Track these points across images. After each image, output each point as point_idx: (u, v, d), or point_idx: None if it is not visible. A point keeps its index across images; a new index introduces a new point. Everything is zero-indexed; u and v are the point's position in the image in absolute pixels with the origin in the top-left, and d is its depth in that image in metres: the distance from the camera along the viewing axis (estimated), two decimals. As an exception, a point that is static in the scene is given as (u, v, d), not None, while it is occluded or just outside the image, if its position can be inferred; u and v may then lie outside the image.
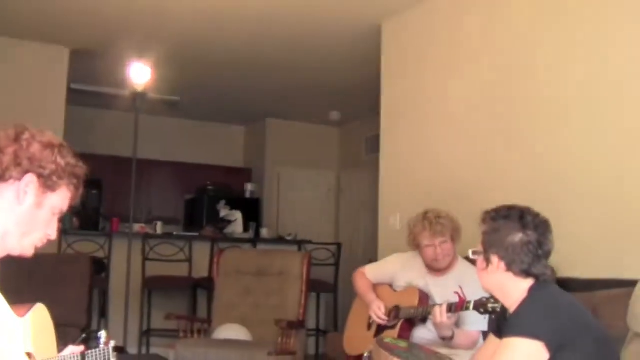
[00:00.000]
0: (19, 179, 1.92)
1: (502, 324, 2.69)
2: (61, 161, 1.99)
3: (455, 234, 4.18)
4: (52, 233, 2.06)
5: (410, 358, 2.58)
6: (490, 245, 2.62)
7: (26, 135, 1.96)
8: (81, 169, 2.07)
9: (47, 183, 1.97)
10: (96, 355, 2.33)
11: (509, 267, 2.57)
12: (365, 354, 2.77)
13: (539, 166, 4.77)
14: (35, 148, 1.95)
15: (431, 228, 4.12)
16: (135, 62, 6.31)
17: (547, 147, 4.74)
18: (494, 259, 2.60)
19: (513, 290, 2.58)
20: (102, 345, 2.37)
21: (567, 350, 2.37)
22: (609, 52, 4.37)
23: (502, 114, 5.15)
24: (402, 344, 2.80)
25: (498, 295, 2.67)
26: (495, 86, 5.27)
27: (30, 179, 1.93)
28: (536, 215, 2.61)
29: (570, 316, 2.48)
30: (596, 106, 4.40)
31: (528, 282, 2.57)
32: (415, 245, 4.24)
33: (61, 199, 2.03)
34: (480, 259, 2.68)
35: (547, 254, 2.59)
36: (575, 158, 4.51)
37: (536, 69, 4.92)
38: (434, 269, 4.21)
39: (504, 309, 2.70)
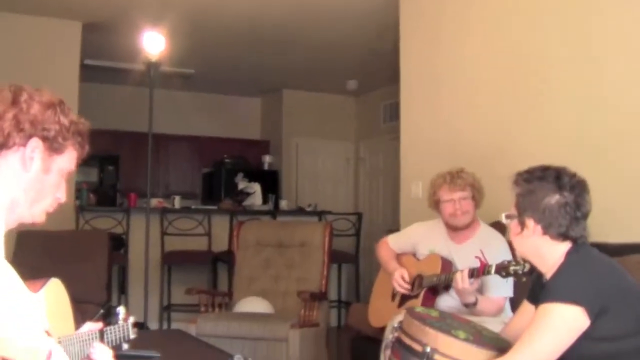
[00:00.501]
0: (23, 145, 1.79)
1: (537, 290, 2.58)
2: (64, 120, 1.87)
3: (476, 193, 4.07)
4: (62, 196, 1.94)
5: (444, 327, 2.48)
6: (525, 208, 2.49)
7: (24, 97, 1.82)
8: (84, 125, 1.95)
9: (53, 145, 1.85)
10: (115, 331, 2.26)
11: (546, 231, 2.45)
12: (395, 324, 2.67)
13: (561, 129, 4.67)
14: (36, 109, 1.82)
15: (451, 181, 4.04)
16: (149, 32, 6.17)
17: (569, 108, 4.63)
18: (529, 222, 2.48)
19: (550, 254, 2.47)
20: (120, 321, 2.29)
21: (608, 316, 2.27)
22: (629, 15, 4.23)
23: (524, 76, 5.04)
24: (434, 313, 2.70)
25: (534, 260, 2.55)
26: (514, 48, 5.15)
27: (35, 143, 1.80)
28: (573, 175, 2.49)
29: (610, 280, 2.37)
30: (619, 64, 4.27)
31: (565, 246, 2.46)
32: (434, 202, 4.14)
33: (68, 160, 1.91)
34: (514, 223, 2.55)
35: (585, 216, 2.47)
36: (597, 120, 4.39)
37: (554, 30, 4.79)
38: (453, 227, 4.11)
39: (539, 275, 2.58)
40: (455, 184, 4.02)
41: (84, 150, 1.96)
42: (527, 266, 3.11)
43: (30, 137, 1.80)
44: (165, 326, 7.73)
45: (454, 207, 4.03)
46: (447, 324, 2.55)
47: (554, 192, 2.45)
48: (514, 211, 2.56)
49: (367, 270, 9.03)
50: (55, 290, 1.94)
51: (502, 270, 3.29)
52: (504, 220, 2.60)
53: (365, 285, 8.63)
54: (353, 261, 8.51)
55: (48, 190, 1.87)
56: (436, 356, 2.42)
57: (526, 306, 2.71)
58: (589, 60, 4.48)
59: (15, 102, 1.80)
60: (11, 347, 1.54)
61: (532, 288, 2.69)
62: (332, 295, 7.63)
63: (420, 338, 2.48)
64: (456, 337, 2.44)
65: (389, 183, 9.60)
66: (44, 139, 1.82)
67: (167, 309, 7.78)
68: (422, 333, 2.48)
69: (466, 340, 2.45)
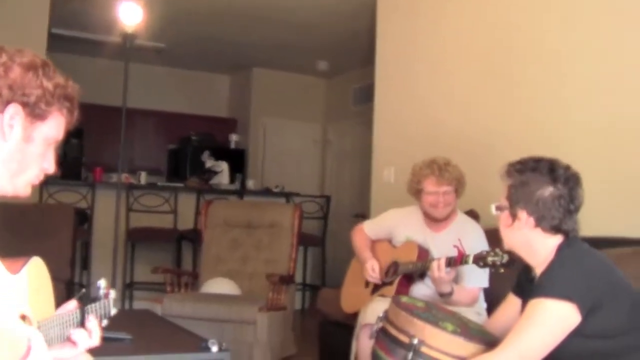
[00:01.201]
0: (1, 112, 1.64)
1: (524, 283, 2.53)
2: (48, 84, 1.71)
3: (459, 186, 4.03)
4: (49, 166, 1.80)
5: (431, 318, 2.42)
6: (518, 199, 2.43)
7: (3, 59, 1.67)
8: (73, 88, 1.80)
9: (35, 112, 1.69)
10: (96, 309, 2.17)
11: (538, 223, 2.40)
12: (380, 314, 2.61)
13: (541, 112, 4.65)
14: (16, 72, 1.66)
15: (440, 174, 3.96)
16: (126, 1, 5.99)
17: (550, 91, 4.61)
18: (522, 214, 2.42)
19: (541, 247, 2.42)
20: (102, 299, 2.20)
21: (600, 312, 2.23)
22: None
23: (504, 59, 5.03)
24: (420, 303, 2.64)
25: (523, 253, 2.49)
26: (495, 30, 5.14)
27: (14, 110, 1.65)
28: (567, 168, 2.43)
29: (602, 276, 2.32)
30: (603, 46, 4.25)
31: (557, 239, 2.41)
32: (416, 190, 4.06)
33: (55, 126, 1.76)
34: (504, 215, 2.49)
35: (578, 209, 2.43)
36: (576, 108, 4.38)
37: (536, 11, 4.77)
38: (431, 217, 4.05)
39: (526, 268, 2.53)
40: (443, 178, 3.95)
41: (73, 116, 1.81)
42: (506, 257, 3.08)
43: (8, 103, 1.65)
44: (127, 304, 7.61)
45: (436, 200, 3.97)
46: (433, 315, 2.50)
47: (548, 184, 2.39)
48: (504, 202, 2.50)
49: (333, 254, 8.99)
50: (36, 271, 1.83)
51: (480, 260, 3.26)
52: (493, 211, 2.54)
53: (331, 269, 8.60)
54: (319, 244, 8.45)
55: (31, 160, 1.73)
56: (423, 348, 2.37)
57: (511, 299, 2.66)
58: (572, 42, 4.45)
59: None
60: None
61: (519, 281, 2.64)
62: (298, 278, 7.55)
63: (407, 329, 2.42)
64: (444, 329, 2.39)
65: (357, 167, 9.56)
66: (24, 104, 1.66)
67: (129, 286, 7.65)
68: (410, 324, 2.42)
69: (454, 332, 2.40)
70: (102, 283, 2.17)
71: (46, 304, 1.88)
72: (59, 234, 5.74)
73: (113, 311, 2.21)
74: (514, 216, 2.45)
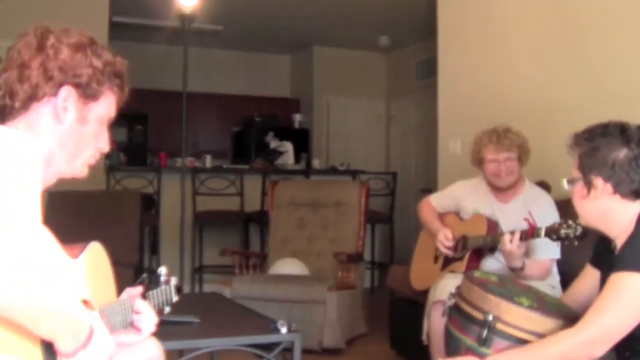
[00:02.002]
0: (54, 95, 1.62)
1: (603, 255, 2.39)
2: (97, 62, 1.68)
3: (522, 153, 3.88)
4: (104, 146, 1.77)
5: (505, 294, 2.32)
6: (591, 167, 2.28)
7: (51, 41, 1.63)
8: (122, 64, 1.76)
9: (87, 92, 1.66)
10: (158, 295, 2.14)
11: (616, 189, 2.25)
12: (453, 290, 2.52)
13: (604, 81, 4.53)
14: (65, 54, 1.63)
15: (498, 141, 3.84)
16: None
17: (612, 60, 4.48)
18: (598, 181, 2.27)
19: (621, 216, 2.27)
20: (163, 284, 2.17)
21: None
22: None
23: (564, 28, 4.92)
24: (493, 277, 2.53)
25: (602, 226, 2.34)
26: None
27: (67, 92, 1.63)
28: (638, 127, 2.28)
29: None
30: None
31: (637, 206, 2.26)
32: (478, 159, 3.95)
33: (107, 105, 1.73)
34: (578, 186, 2.34)
35: None
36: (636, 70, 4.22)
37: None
38: (495, 186, 3.93)
39: (604, 238, 2.39)
40: (502, 145, 3.83)
41: (124, 92, 1.78)
42: (580, 229, 2.95)
43: (60, 85, 1.62)
44: (197, 288, 7.65)
45: (498, 168, 3.85)
46: (508, 289, 2.39)
47: (622, 146, 2.24)
48: (577, 174, 2.34)
49: (401, 231, 8.89)
50: (95, 256, 1.79)
51: (553, 233, 3.14)
52: (565, 186, 2.39)
53: (399, 246, 8.51)
54: (387, 221, 8.36)
55: (87, 141, 1.71)
56: (499, 325, 2.26)
57: (590, 270, 2.51)
58: (636, 10, 4.28)
59: (41, 47, 1.63)
60: (50, 324, 1.40)
61: (597, 252, 2.50)
62: (366, 256, 7.49)
63: (481, 305, 2.31)
64: (520, 304, 2.28)
65: (422, 141, 9.43)
66: (76, 85, 1.64)
67: (198, 270, 7.69)
68: (484, 300, 2.31)
69: (530, 307, 2.28)
70: (162, 270, 2.15)
71: (106, 290, 1.84)
72: (126, 220, 5.76)
73: (175, 298, 2.18)
74: (589, 185, 2.29)
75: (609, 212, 2.29)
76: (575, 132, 2.38)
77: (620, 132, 2.27)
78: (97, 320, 1.56)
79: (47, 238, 1.51)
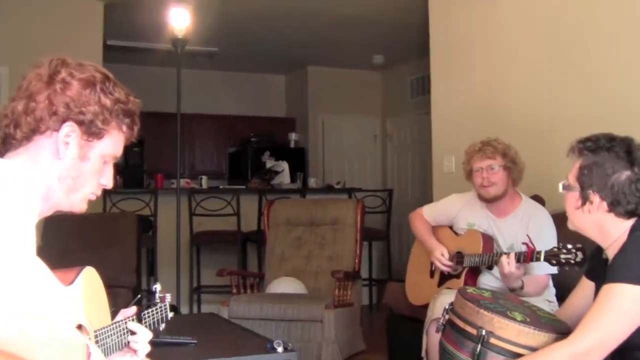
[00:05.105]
0: (57, 130, 1.61)
1: (597, 266, 2.41)
2: (106, 100, 1.67)
3: (510, 163, 3.84)
4: (107, 182, 1.75)
5: (499, 309, 2.33)
6: (590, 182, 2.28)
7: (62, 75, 1.63)
8: (134, 104, 1.75)
9: (91, 130, 1.65)
10: (152, 314, 2.15)
11: (612, 208, 2.26)
12: (446, 306, 2.53)
13: (604, 96, 4.52)
14: (74, 90, 1.62)
15: (480, 149, 3.85)
16: (175, 7, 6.03)
17: (608, 74, 4.50)
18: (594, 198, 2.28)
19: (613, 230, 2.29)
20: (158, 303, 2.18)
21: None
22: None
23: (562, 43, 4.92)
24: (486, 293, 2.55)
25: (592, 235, 2.36)
26: (549, 14, 5.02)
27: (70, 128, 1.62)
28: None
29: None
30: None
31: (630, 222, 2.28)
32: (468, 171, 3.95)
33: (112, 144, 1.71)
34: (573, 196, 2.35)
35: None
36: (635, 79, 4.23)
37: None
38: (482, 199, 3.91)
39: (598, 249, 2.41)
40: (484, 152, 3.83)
41: (133, 131, 1.77)
42: (580, 255, 2.93)
43: (64, 121, 1.61)
44: (195, 308, 7.65)
45: (481, 177, 3.83)
46: (501, 305, 2.41)
47: (625, 168, 2.24)
48: (573, 182, 2.34)
49: (398, 247, 8.91)
50: (90, 280, 1.80)
51: (552, 258, 3.10)
52: (560, 189, 2.39)
53: (396, 263, 8.52)
54: (384, 238, 8.38)
55: (87, 177, 1.69)
56: (492, 339, 2.28)
57: (585, 283, 2.52)
58: (635, 22, 4.32)
59: (50, 81, 1.63)
60: (47, 353, 1.41)
61: (591, 262, 2.52)
62: (364, 273, 7.50)
63: (474, 321, 2.34)
64: (513, 319, 2.30)
65: (418, 159, 9.47)
66: (80, 123, 1.63)
67: (196, 290, 7.70)
68: (477, 315, 2.34)
69: (523, 322, 2.30)
70: (157, 287, 2.16)
71: (101, 313, 1.85)
72: (123, 242, 5.78)
73: (170, 315, 2.19)
74: (584, 199, 2.31)
75: (601, 226, 2.31)
76: (578, 138, 2.38)
77: (626, 152, 2.26)
78: (92, 345, 1.56)
79: (42, 269, 1.51)
